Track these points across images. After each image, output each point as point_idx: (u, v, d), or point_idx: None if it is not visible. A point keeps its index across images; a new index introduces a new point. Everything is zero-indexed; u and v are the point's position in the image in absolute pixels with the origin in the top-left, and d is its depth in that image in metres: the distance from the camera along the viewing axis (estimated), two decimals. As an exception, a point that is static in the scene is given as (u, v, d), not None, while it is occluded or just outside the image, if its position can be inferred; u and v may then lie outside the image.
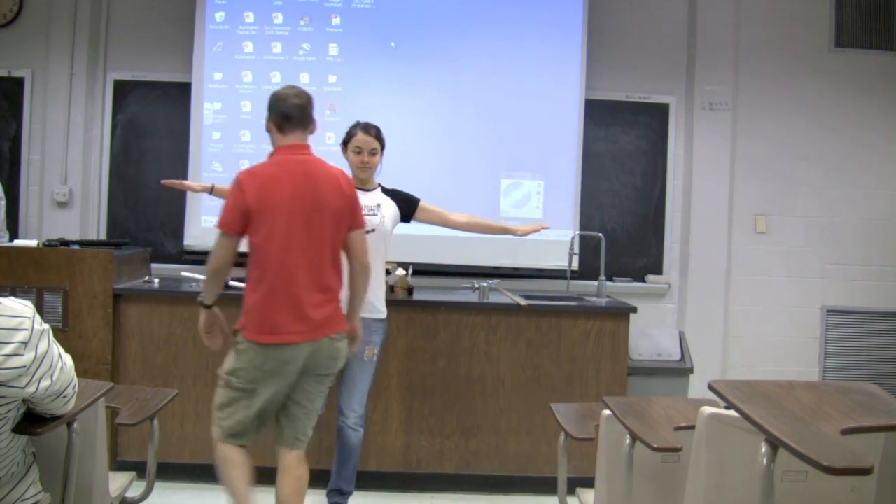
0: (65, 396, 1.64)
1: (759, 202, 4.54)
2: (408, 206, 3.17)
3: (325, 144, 4.25)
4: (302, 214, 2.46)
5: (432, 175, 4.33)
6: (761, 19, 4.53)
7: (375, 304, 3.05)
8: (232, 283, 3.68)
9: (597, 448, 2.26)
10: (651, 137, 4.56)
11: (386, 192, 3.17)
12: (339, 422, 3.06)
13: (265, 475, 3.31)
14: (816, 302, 4.57)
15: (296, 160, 2.53)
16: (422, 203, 3.21)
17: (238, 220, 2.46)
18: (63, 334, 3.38)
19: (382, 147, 3.12)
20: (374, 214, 3.04)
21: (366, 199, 3.05)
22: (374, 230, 3.00)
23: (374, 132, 3.09)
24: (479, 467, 3.53)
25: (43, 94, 4.41)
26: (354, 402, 3.03)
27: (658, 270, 4.55)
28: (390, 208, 3.12)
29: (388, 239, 3.10)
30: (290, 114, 2.52)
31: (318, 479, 3.27)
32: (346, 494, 3.11)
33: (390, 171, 4.30)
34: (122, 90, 4.45)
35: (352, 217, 2.60)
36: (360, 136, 3.06)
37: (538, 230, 3.46)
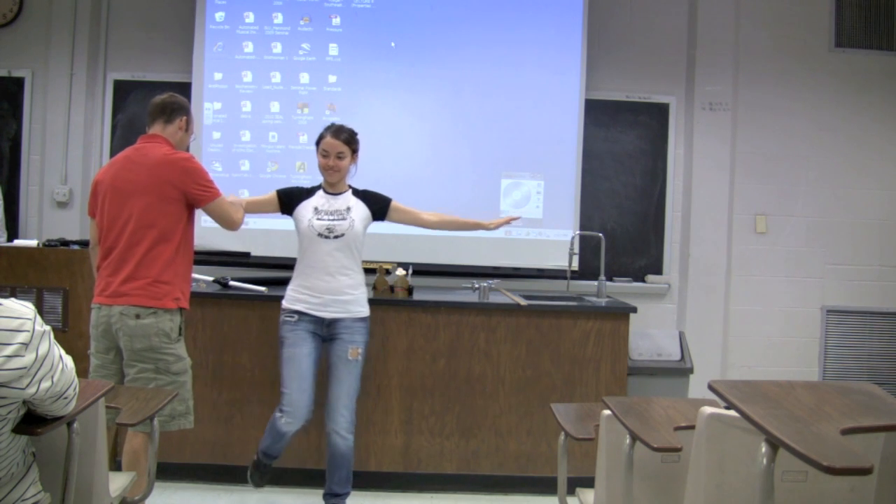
0: (66, 398, 1.64)
1: (759, 202, 4.54)
2: (379, 207, 3.13)
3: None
4: None
5: (432, 175, 4.33)
6: (761, 19, 4.53)
7: (355, 305, 3.04)
8: (232, 283, 3.69)
9: (597, 448, 2.25)
10: (651, 137, 4.56)
11: (357, 193, 3.13)
12: (327, 427, 3.04)
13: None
14: (816, 302, 4.57)
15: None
16: (393, 203, 3.17)
17: None
18: (63, 334, 3.38)
19: (354, 151, 3.07)
20: (343, 219, 3.02)
21: (335, 204, 3.05)
22: (343, 235, 2.99)
23: (345, 136, 3.03)
24: (479, 467, 3.53)
25: (43, 94, 4.41)
26: (341, 404, 3.00)
27: (658, 270, 4.55)
28: (360, 211, 3.08)
29: (358, 242, 3.06)
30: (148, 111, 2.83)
31: (319, 478, 3.27)
32: (341, 496, 3.11)
33: (390, 170, 4.32)
34: (122, 90, 4.45)
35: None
36: (328, 140, 3.02)
37: (509, 222, 3.45)
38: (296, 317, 3.01)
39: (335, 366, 3.02)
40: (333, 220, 3.01)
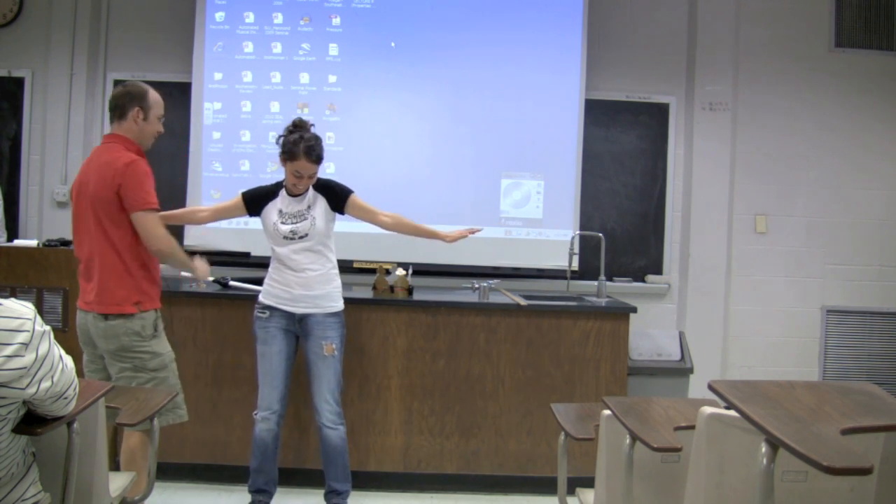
0: (65, 398, 1.64)
1: (759, 202, 4.54)
2: (337, 199, 3.08)
3: (325, 144, 4.26)
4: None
5: (432, 175, 4.34)
6: (761, 19, 4.53)
7: (326, 300, 3.04)
8: (232, 283, 3.69)
9: (597, 448, 2.25)
10: (651, 137, 4.56)
11: (318, 186, 3.08)
12: (316, 423, 3.09)
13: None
14: (816, 302, 4.57)
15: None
16: (352, 198, 3.09)
17: None
18: (63, 335, 3.38)
19: (322, 161, 3.04)
20: (305, 219, 3.01)
21: (297, 205, 3.04)
22: (306, 235, 3.00)
23: (316, 156, 2.96)
24: (479, 467, 3.53)
25: (43, 94, 4.41)
26: (323, 399, 3.03)
27: (658, 270, 4.55)
28: (320, 206, 3.04)
29: (324, 237, 3.04)
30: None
31: (319, 478, 3.27)
32: (342, 494, 3.11)
33: (390, 170, 4.32)
34: (122, 90, 4.45)
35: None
36: (302, 163, 2.94)
37: (467, 235, 3.31)
38: (267, 313, 3.05)
39: (312, 363, 3.05)
40: (296, 222, 3.01)
